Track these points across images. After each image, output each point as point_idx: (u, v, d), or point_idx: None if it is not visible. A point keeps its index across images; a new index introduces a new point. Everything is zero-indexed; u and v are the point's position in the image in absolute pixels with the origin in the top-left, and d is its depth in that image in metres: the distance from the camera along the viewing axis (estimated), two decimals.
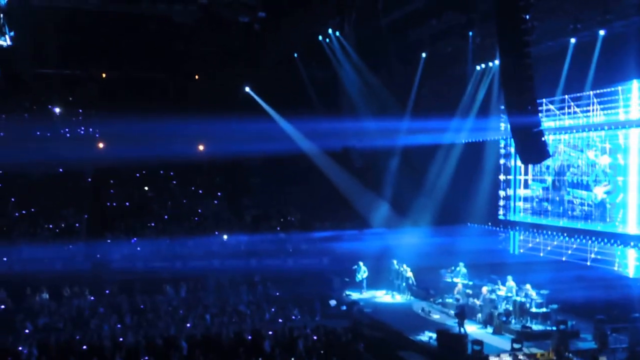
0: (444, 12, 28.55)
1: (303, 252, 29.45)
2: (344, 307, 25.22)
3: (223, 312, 24.26)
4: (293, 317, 24.07)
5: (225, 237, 30.12)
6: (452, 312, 22.98)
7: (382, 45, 31.96)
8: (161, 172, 34.10)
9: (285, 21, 32.16)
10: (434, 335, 20.61)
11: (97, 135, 33.37)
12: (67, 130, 33.26)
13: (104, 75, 35.13)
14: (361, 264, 27.59)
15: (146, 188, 33.47)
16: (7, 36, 32.82)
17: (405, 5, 29.14)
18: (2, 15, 32.60)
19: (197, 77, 36.05)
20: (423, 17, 29.22)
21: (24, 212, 30.23)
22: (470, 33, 28.08)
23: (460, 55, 29.41)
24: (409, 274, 26.72)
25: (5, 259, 26.80)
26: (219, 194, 33.95)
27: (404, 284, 26.80)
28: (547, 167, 27.48)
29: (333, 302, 25.53)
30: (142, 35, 33.05)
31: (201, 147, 33.98)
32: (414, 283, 26.64)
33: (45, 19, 33.23)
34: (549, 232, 26.88)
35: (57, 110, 34.15)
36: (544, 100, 25.88)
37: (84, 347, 20.69)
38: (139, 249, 28.64)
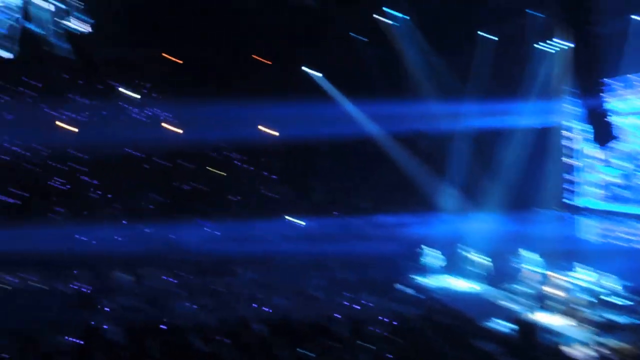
0: None
1: (372, 237, 29.72)
2: (414, 293, 25.33)
3: (294, 295, 24.86)
4: (363, 302, 24.40)
5: (295, 220, 30.57)
6: (524, 300, 23.00)
7: (445, 25, 31.75)
8: (230, 154, 34.58)
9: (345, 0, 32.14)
10: (508, 324, 20.69)
11: (168, 119, 34.02)
12: (141, 114, 34.01)
13: (173, 59, 35.68)
14: (429, 249, 27.79)
15: (215, 171, 34.08)
16: (76, 20, 33.73)
17: None
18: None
19: (260, 59, 36.32)
20: None
21: (100, 193, 31.20)
22: (534, 12, 27.73)
23: (524, 35, 29.09)
24: (479, 260, 26.80)
25: (85, 239, 27.81)
26: (288, 177, 34.38)
27: (474, 270, 26.87)
28: (621, 151, 26.73)
29: (401, 287, 25.74)
30: (204, 19, 33.50)
31: (271, 131, 34.35)
32: (484, 269, 26.69)
33: (115, 3, 33.95)
34: (626, 220, 26.26)
35: (129, 93, 34.86)
36: (611, 80, 25.05)
37: (162, 326, 21.49)
38: (211, 231, 29.34)
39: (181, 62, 35.33)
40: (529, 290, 23.16)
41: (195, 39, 33.84)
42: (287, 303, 24.21)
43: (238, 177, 33.89)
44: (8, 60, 31.81)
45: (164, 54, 35.42)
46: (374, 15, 32.63)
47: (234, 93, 31.98)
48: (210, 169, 34.13)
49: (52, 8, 33.29)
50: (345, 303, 24.13)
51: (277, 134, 34.13)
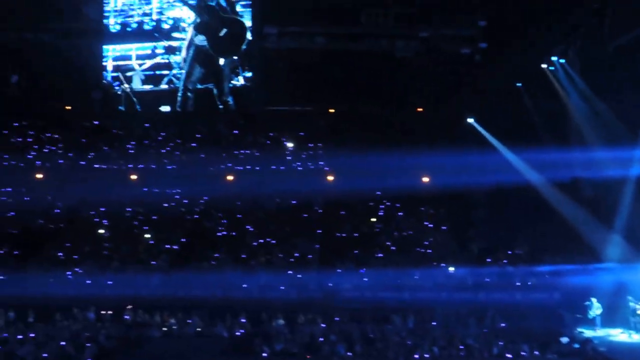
0: None
1: (531, 286, 28.80)
2: (577, 345, 24.37)
3: (451, 345, 24.38)
4: (522, 353, 23.67)
5: (451, 269, 30.17)
6: None
7: (609, 71, 30.78)
8: (387, 203, 34.76)
9: (507, 51, 31.95)
10: None
11: (326, 169, 34.74)
12: (298, 163, 34.98)
13: (331, 110, 36.64)
14: (594, 300, 26.65)
15: (373, 219, 34.30)
16: (240, 77, 35.46)
17: (634, 28, 27.96)
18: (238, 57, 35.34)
19: (419, 109, 36.52)
20: None
21: (261, 241, 32.15)
22: None
23: None
24: None
25: (245, 285, 28.67)
26: (443, 227, 34.07)
27: None
28: None
29: (565, 339, 24.75)
30: (365, 71, 34.20)
31: (426, 179, 34.33)
32: None
33: (276, 59, 35.46)
34: None
35: (289, 144, 36.04)
36: None
37: None
38: (367, 279, 29.43)
39: (343, 114, 36.19)
40: None
41: (357, 91, 34.66)
42: (443, 352, 23.94)
43: (395, 225, 33.87)
44: (173, 113, 34.04)
45: (326, 107, 36.44)
46: (536, 64, 32.31)
47: (394, 143, 32.40)
48: (366, 217, 34.31)
49: (219, 63, 35.40)
50: (505, 354, 23.59)
51: (435, 182, 33.97)
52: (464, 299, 27.77)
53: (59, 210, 33.74)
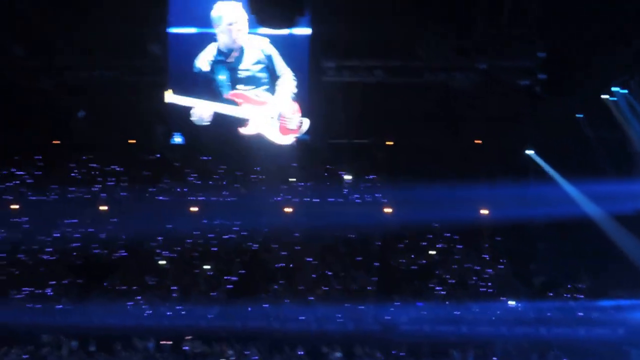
0: None
1: (595, 321, 28.23)
2: None
3: None
4: None
5: (511, 302, 29.74)
6: None
7: None
8: (446, 235, 34.53)
9: (567, 82, 31.61)
10: None
11: (383, 201, 34.75)
12: (356, 196, 35.08)
13: (388, 142, 36.69)
14: None
15: (431, 252, 34.10)
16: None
17: None
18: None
19: (477, 141, 36.31)
20: None
21: (319, 273, 32.22)
22: None
23: None
24: None
25: (302, 317, 28.73)
26: (503, 259, 33.66)
27: None
28: None
29: None
30: (423, 103, 34.15)
31: (485, 211, 34.04)
32: None
33: (334, 92, 35.67)
34: None
35: (347, 177, 36.20)
36: None
37: None
38: (425, 312, 29.20)
39: (400, 146, 36.20)
40: None
41: (414, 123, 34.59)
42: None
43: (454, 258, 33.62)
44: (233, 145, 34.33)
45: (384, 140, 36.48)
46: (597, 95, 31.88)
47: (452, 175, 32.28)
48: (424, 250, 34.14)
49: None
50: None
51: (494, 215, 33.64)
52: (525, 334, 27.35)
53: (121, 242, 34.51)
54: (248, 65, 26.32)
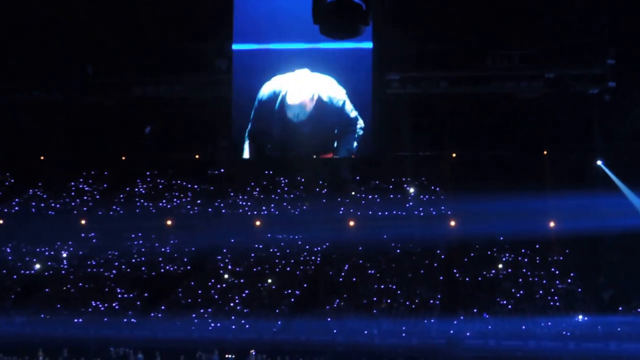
0: None
1: None
2: None
3: None
4: None
5: (580, 317, 28.93)
6: None
7: None
8: (512, 248, 33.91)
9: (637, 89, 30.77)
10: None
11: (448, 213, 34.38)
12: (420, 209, 34.80)
13: (453, 155, 36.33)
14: None
15: (498, 265, 33.55)
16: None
17: None
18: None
19: (545, 152, 35.64)
20: None
21: (382, 286, 32.04)
22: None
23: None
24: None
25: (366, 331, 28.54)
26: (572, 272, 32.84)
27: None
28: None
29: None
30: (489, 114, 33.69)
31: (552, 224, 33.30)
32: None
33: (398, 104, 35.46)
34: None
35: (411, 190, 35.96)
36: None
37: None
38: (490, 326, 28.65)
39: (465, 158, 35.84)
40: None
41: (480, 135, 34.21)
42: None
43: (520, 271, 32.99)
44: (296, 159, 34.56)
45: (449, 152, 36.15)
46: None
47: (518, 187, 31.71)
48: (489, 263, 33.59)
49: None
50: None
51: (562, 227, 32.91)
52: (594, 350, 26.47)
53: (186, 256, 34.99)
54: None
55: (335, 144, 26.96)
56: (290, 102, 25.96)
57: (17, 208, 37.06)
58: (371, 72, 35.66)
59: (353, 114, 26.79)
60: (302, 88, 26.01)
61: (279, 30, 26.84)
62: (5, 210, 36.92)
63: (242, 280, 33.04)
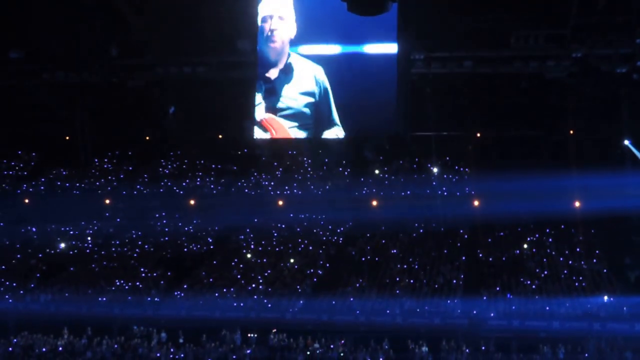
0: None
1: None
2: None
3: None
4: None
5: (605, 297, 28.59)
6: None
7: None
8: (537, 228, 33.60)
9: None
10: None
11: (472, 193, 34.13)
12: (444, 188, 34.58)
13: (478, 134, 36.01)
14: None
15: (522, 245, 33.26)
16: None
17: None
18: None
19: (571, 132, 35.20)
20: None
21: (404, 266, 31.90)
22: None
23: None
24: None
25: (388, 311, 28.46)
26: (597, 252, 32.46)
27: None
28: None
29: None
30: (514, 94, 33.33)
31: (578, 203, 32.93)
32: None
33: (423, 84, 35.17)
34: None
35: (435, 169, 35.73)
36: None
37: None
38: (514, 306, 28.42)
39: (490, 138, 35.57)
40: None
41: (505, 115, 33.89)
42: None
43: (545, 251, 32.68)
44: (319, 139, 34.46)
45: (474, 132, 35.86)
46: None
47: (544, 166, 31.45)
48: (514, 243, 33.34)
49: None
50: None
51: (588, 207, 32.52)
52: (619, 330, 26.14)
53: (209, 235, 35.09)
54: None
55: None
56: None
57: (42, 188, 37.41)
58: (397, 51, 35.47)
59: None
60: None
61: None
62: (31, 189, 37.29)
63: (264, 260, 33.09)
